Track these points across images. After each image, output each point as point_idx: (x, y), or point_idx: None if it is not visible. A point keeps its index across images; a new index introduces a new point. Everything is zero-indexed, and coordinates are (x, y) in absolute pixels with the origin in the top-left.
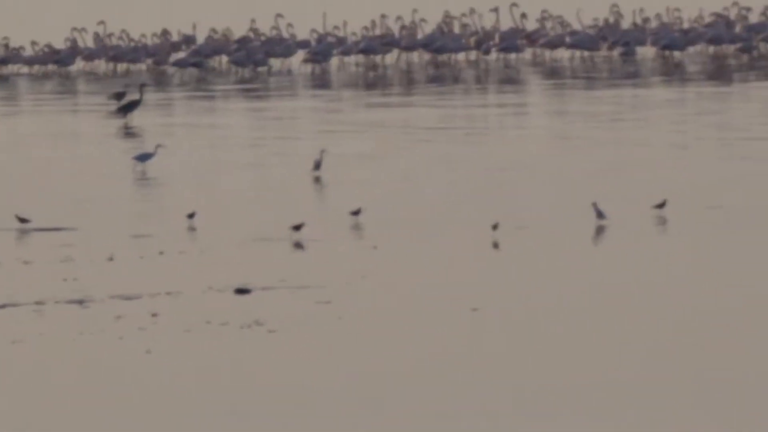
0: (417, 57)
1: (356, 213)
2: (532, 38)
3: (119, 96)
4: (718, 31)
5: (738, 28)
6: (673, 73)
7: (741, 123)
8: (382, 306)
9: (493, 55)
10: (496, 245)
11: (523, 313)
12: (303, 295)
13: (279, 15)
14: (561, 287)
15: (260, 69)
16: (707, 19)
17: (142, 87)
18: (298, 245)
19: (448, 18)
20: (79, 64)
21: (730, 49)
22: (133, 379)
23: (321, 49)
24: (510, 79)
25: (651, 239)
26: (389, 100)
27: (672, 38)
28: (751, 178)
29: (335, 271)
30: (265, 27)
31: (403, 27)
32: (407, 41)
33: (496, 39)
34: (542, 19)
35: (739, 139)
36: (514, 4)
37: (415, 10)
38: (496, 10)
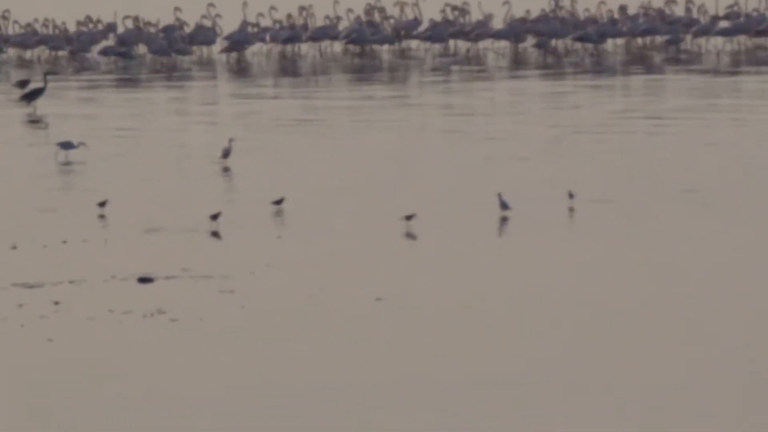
0: (338, 47)
1: (278, 203)
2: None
3: (23, 84)
4: (635, 23)
5: (650, 21)
6: (581, 65)
7: (626, 115)
8: (285, 295)
9: (417, 46)
10: (409, 235)
11: (427, 303)
12: (206, 284)
13: (210, 4)
14: (467, 278)
15: (181, 58)
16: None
17: (46, 75)
18: (215, 234)
19: (369, 8)
20: (9, 52)
21: (656, 41)
22: (34, 367)
23: (239, 39)
24: (421, 71)
25: (555, 231)
26: (292, 90)
27: (588, 30)
28: (635, 170)
29: (240, 260)
30: (195, 17)
31: (304, 15)
32: (314, 32)
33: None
34: (462, 10)
35: (622, 132)
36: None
37: (336, 2)
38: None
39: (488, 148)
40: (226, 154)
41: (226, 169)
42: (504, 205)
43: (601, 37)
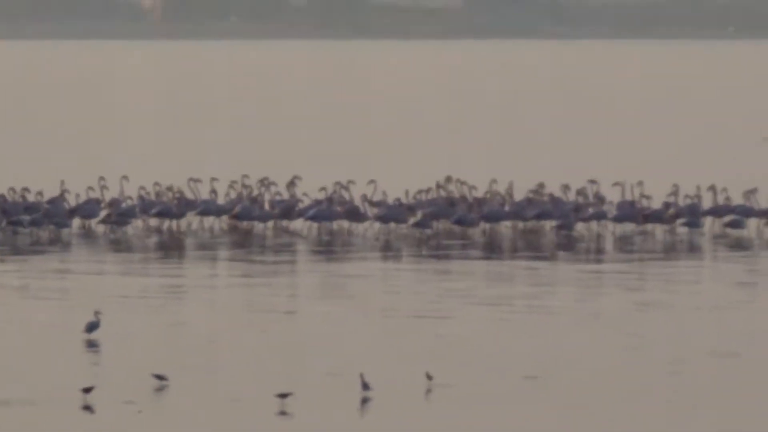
0: (218, 223)
1: (161, 378)
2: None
3: None
4: (524, 206)
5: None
6: (449, 247)
7: (465, 300)
8: None
9: (301, 225)
10: (281, 414)
11: None
12: None
13: (101, 177)
14: None
15: (61, 230)
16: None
17: None
18: (87, 408)
19: (245, 184)
20: None
21: (546, 226)
22: None
23: (121, 211)
24: (294, 250)
25: (414, 412)
26: (156, 266)
27: (465, 213)
28: (475, 355)
29: None
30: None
31: (172, 191)
32: (180, 207)
33: (272, 208)
34: (337, 190)
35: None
36: (296, 177)
37: (213, 179)
38: (293, 182)
39: (336, 329)
40: (91, 328)
41: (91, 344)
42: (365, 386)
43: (484, 219)
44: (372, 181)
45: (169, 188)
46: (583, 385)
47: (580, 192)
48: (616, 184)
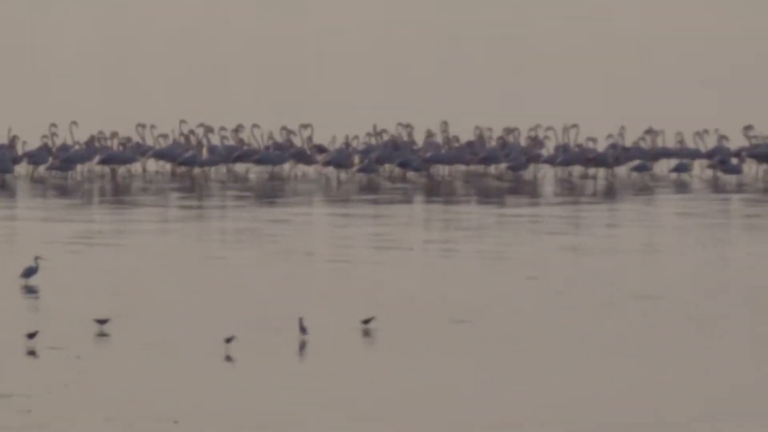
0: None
1: (102, 322)
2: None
3: None
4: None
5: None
6: (389, 192)
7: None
8: (83, 416)
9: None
10: (229, 358)
11: (223, 426)
12: (4, 404)
13: (53, 124)
14: (266, 400)
15: (4, 176)
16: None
17: None
18: (31, 353)
19: (190, 130)
20: None
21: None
22: None
23: (66, 157)
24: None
25: (350, 353)
26: (101, 211)
27: (411, 157)
28: (402, 298)
29: (38, 380)
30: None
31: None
32: (126, 153)
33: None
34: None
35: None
36: (255, 125)
37: (152, 126)
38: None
39: (271, 274)
40: (28, 273)
41: (29, 288)
42: (303, 330)
43: (427, 163)
44: (308, 125)
45: (114, 134)
46: (510, 329)
47: (529, 137)
48: (549, 128)
